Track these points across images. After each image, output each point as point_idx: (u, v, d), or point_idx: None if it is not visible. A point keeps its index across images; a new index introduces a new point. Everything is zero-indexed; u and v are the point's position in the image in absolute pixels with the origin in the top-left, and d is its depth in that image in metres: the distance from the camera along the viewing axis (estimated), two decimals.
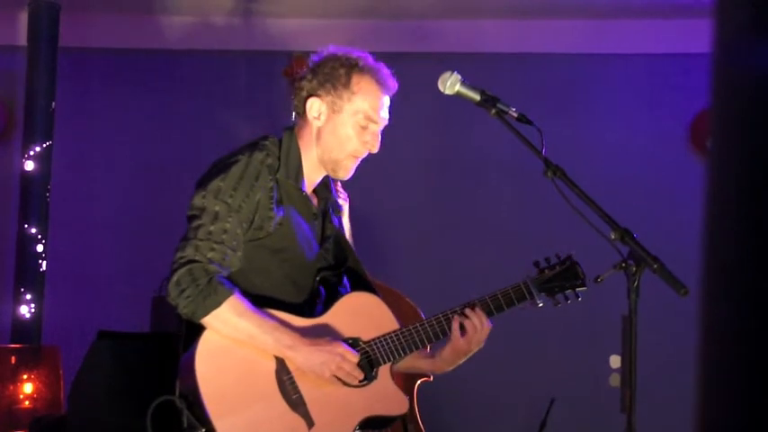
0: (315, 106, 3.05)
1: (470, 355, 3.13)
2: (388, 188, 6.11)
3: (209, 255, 2.86)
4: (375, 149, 3.09)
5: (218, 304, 2.81)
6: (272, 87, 6.05)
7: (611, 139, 6.23)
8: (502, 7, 6.01)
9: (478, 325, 3.06)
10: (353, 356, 2.90)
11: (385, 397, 2.98)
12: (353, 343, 2.96)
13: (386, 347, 2.99)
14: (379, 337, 2.99)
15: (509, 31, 6.14)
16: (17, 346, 5.57)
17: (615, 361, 2.76)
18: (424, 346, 3.05)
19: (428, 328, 3.04)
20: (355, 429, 2.93)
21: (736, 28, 1.19)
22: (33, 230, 5.78)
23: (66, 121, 6.08)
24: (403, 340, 3.00)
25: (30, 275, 5.78)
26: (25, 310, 5.73)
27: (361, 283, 3.14)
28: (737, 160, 1.18)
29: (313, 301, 3.04)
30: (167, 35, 6.21)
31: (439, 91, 3.04)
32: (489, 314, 3.08)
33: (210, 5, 6.06)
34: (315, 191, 3.14)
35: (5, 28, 6.26)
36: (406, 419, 3.60)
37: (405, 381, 3.62)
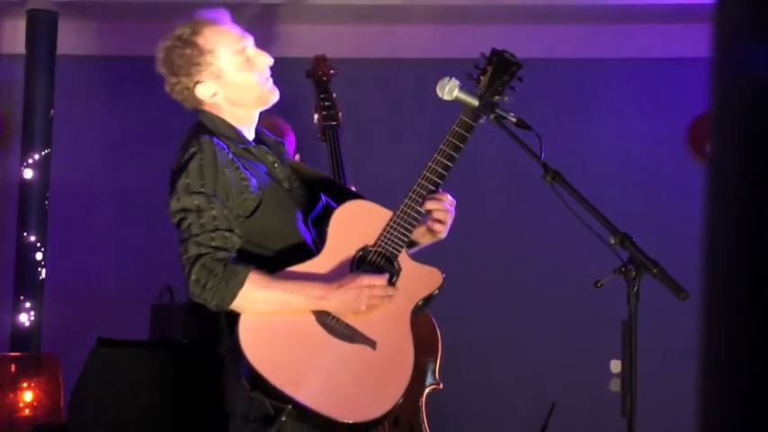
0: (202, 90, 3.10)
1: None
2: (389, 190, 6.10)
3: (213, 244, 2.90)
4: (269, 60, 3.15)
5: (241, 283, 2.84)
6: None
7: (610, 143, 6.23)
8: (501, 12, 6.01)
9: (445, 210, 3.11)
10: (379, 279, 2.96)
11: (418, 279, 3.05)
12: (364, 254, 3.02)
13: (392, 238, 3.04)
14: (382, 234, 3.04)
15: (508, 36, 6.14)
16: (17, 354, 5.57)
17: (616, 365, 2.76)
18: (422, 217, 3.07)
19: (416, 199, 3.06)
20: (409, 327, 2.99)
21: (736, 31, 1.19)
22: (32, 238, 5.78)
23: (64, 129, 6.08)
24: (402, 222, 3.05)
25: (29, 283, 5.78)
26: (24, 318, 5.73)
27: (340, 194, 3.20)
28: (738, 164, 1.18)
29: (306, 241, 3.07)
30: None
31: (437, 96, 3.05)
32: (452, 159, 3.09)
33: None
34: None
35: (3, 36, 6.26)
36: (412, 423, 3.59)
37: (414, 388, 3.61)
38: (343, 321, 2.94)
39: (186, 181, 2.97)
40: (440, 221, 3.13)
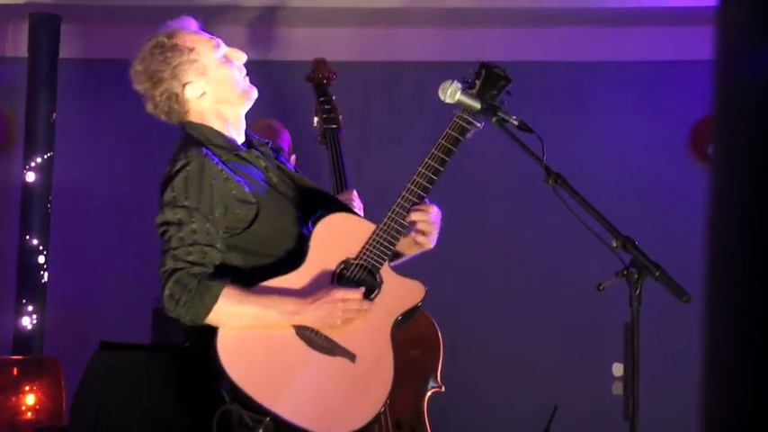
0: (191, 90, 3.10)
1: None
2: (389, 194, 6.10)
3: (189, 258, 2.89)
4: (243, 56, 3.19)
5: (215, 299, 2.84)
6: (274, 97, 6.06)
7: (610, 146, 6.23)
8: (500, 16, 6.01)
9: (429, 221, 3.12)
10: (353, 293, 2.95)
11: (400, 292, 3.04)
12: (345, 267, 3.00)
13: (375, 251, 3.02)
14: (364, 246, 3.02)
15: (508, 39, 6.14)
16: (19, 357, 5.57)
17: (618, 369, 2.76)
18: (406, 229, 3.07)
19: (400, 212, 3.06)
20: (389, 340, 2.98)
21: (739, 34, 1.19)
22: (35, 242, 5.78)
23: (67, 132, 6.08)
24: (385, 234, 3.03)
25: (31, 287, 5.78)
26: (27, 322, 5.73)
27: (329, 206, 3.18)
28: (740, 167, 1.18)
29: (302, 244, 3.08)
30: None
31: (437, 99, 3.05)
32: (443, 162, 3.09)
33: (212, 15, 6.07)
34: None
35: (6, 39, 6.26)
36: (414, 426, 3.60)
37: (416, 392, 3.61)
38: (322, 334, 2.94)
39: (172, 194, 2.97)
40: (423, 233, 3.12)
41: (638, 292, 2.67)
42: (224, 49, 3.18)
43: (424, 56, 6.14)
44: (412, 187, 3.09)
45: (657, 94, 6.28)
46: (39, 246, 5.78)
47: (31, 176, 5.82)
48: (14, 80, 6.15)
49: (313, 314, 2.91)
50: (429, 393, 3.69)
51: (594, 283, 2.74)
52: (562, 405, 4.90)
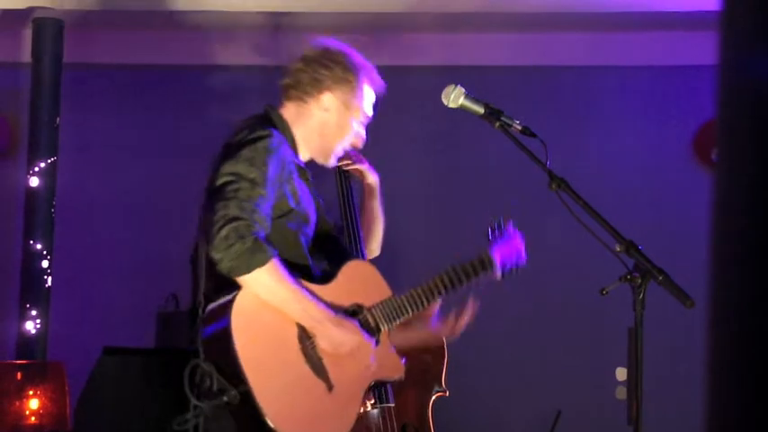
0: (327, 100, 3.17)
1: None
2: (391, 197, 6.10)
3: (254, 216, 2.89)
4: (362, 144, 3.29)
5: (263, 263, 2.84)
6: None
7: (615, 150, 6.23)
8: (505, 20, 6.02)
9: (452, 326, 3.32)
10: (370, 348, 3.03)
11: (386, 362, 3.12)
12: (357, 310, 3.08)
13: (386, 313, 3.11)
14: (379, 303, 3.12)
15: (513, 44, 6.15)
16: (23, 362, 5.57)
17: (621, 373, 2.76)
18: (416, 311, 3.17)
19: (417, 297, 3.16)
20: (362, 395, 3.06)
21: (742, 38, 1.19)
22: (38, 246, 5.79)
23: (70, 137, 6.09)
24: (400, 306, 3.13)
25: (35, 291, 5.78)
26: (30, 326, 5.73)
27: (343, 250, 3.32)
28: (744, 171, 1.18)
29: (309, 266, 3.14)
30: (172, 50, 6.22)
31: (442, 104, 3.05)
32: (451, 287, 3.21)
33: (216, 20, 6.07)
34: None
35: (10, 45, 6.28)
36: (419, 430, 3.60)
37: (420, 396, 3.61)
38: (317, 350, 2.97)
39: (252, 155, 2.97)
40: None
41: (641, 296, 2.67)
42: (370, 111, 3.26)
43: (429, 60, 6.15)
44: (432, 285, 3.20)
45: (661, 98, 6.28)
46: (42, 250, 5.79)
47: (34, 181, 5.83)
48: (18, 85, 6.16)
49: (330, 332, 2.96)
50: (434, 398, 3.69)
51: (598, 288, 2.74)
52: (566, 409, 4.90)
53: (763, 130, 1.16)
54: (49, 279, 5.81)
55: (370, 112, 3.25)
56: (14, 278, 5.90)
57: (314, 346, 2.97)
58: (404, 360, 3.17)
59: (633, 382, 2.68)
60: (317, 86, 3.17)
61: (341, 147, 3.23)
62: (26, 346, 5.74)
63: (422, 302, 3.16)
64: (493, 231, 3.41)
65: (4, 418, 5.23)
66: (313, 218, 3.17)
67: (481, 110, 3.03)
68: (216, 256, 2.83)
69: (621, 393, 2.76)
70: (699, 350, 1.31)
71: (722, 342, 1.20)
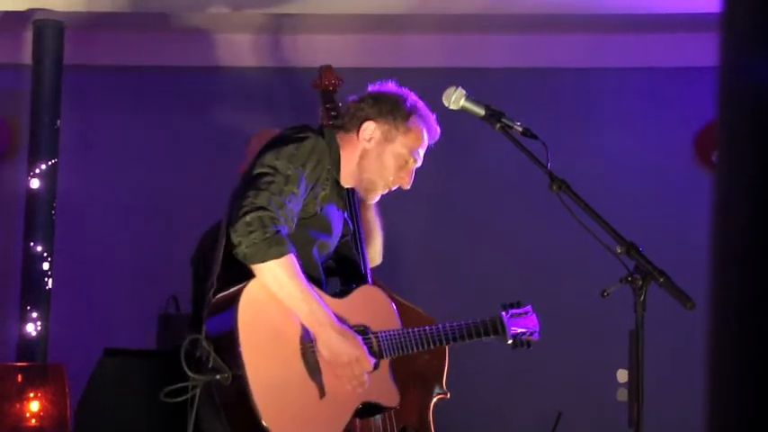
0: (370, 129, 3.22)
1: None
2: (391, 199, 6.11)
3: (281, 211, 2.94)
4: (407, 186, 3.29)
5: (279, 255, 2.88)
6: (286, 103, 6.07)
7: (616, 152, 6.23)
8: (506, 22, 6.02)
9: None
10: (368, 364, 3.04)
11: (382, 387, 3.15)
12: (363, 330, 3.12)
13: (391, 342, 3.17)
14: (386, 331, 3.17)
15: (513, 45, 6.15)
16: (23, 364, 5.57)
17: (622, 375, 2.76)
18: (420, 350, 3.25)
19: (429, 336, 3.25)
20: (353, 411, 3.08)
21: (742, 41, 1.19)
22: (39, 248, 5.78)
23: (71, 139, 6.09)
24: (405, 341, 3.19)
25: (35, 293, 5.78)
26: (31, 328, 5.73)
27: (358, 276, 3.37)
28: (744, 173, 1.18)
29: (320, 279, 3.18)
30: (173, 52, 6.22)
31: (443, 106, 3.05)
32: (460, 339, 3.32)
33: (217, 22, 6.07)
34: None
35: (10, 46, 6.27)
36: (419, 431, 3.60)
37: (421, 398, 3.61)
38: (316, 354, 3.00)
39: (294, 152, 3.03)
40: None
41: (642, 298, 2.67)
42: (410, 164, 3.28)
43: (430, 62, 6.15)
44: (442, 333, 3.30)
45: (662, 100, 6.28)
46: (43, 252, 5.78)
47: (35, 183, 5.83)
48: (19, 87, 6.16)
49: (331, 340, 2.98)
50: (435, 400, 3.69)
51: (599, 290, 2.74)
52: (566, 411, 4.89)
53: (763, 133, 1.16)
54: (50, 281, 5.80)
55: (418, 156, 3.27)
56: (15, 280, 5.89)
57: (313, 350, 2.99)
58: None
59: (634, 384, 2.68)
60: (362, 117, 3.24)
61: (381, 183, 3.26)
62: (27, 348, 5.73)
63: (428, 344, 3.23)
64: (511, 306, 3.48)
65: (5, 420, 5.22)
66: (336, 231, 3.21)
67: (482, 111, 3.03)
68: (235, 239, 2.88)
69: (622, 395, 2.76)
70: (700, 352, 1.31)
71: (722, 343, 1.20)
